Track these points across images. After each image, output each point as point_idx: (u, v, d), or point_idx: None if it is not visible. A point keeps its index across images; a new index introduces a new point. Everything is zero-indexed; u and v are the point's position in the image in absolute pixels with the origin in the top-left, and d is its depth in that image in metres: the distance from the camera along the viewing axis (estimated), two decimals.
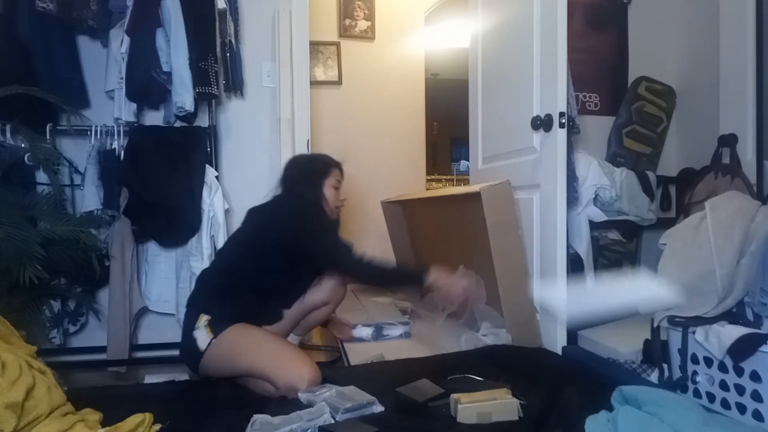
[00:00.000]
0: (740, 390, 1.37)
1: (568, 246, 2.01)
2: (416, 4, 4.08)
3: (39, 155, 2.00)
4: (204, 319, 1.61)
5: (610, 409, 1.23)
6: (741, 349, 1.34)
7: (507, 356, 1.80)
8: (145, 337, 2.40)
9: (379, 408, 1.35)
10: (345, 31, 3.90)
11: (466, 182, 3.76)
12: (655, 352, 1.63)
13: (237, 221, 2.34)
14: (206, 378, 1.69)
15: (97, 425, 1.20)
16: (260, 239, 1.72)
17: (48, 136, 2.15)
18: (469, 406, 1.27)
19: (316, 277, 1.86)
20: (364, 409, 1.33)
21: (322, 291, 1.86)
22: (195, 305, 1.69)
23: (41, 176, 2.15)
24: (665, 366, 1.59)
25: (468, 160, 2.85)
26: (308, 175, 1.85)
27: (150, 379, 2.08)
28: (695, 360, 1.50)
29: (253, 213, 1.86)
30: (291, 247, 1.67)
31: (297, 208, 1.74)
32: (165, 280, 2.32)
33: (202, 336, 1.59)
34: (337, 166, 1.90)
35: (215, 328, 1.59)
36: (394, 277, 1.81)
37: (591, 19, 2.88)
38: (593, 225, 2.33)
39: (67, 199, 2.24)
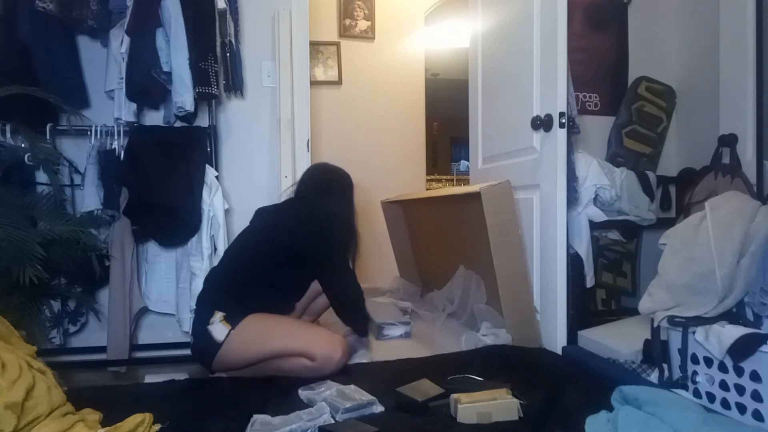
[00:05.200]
0: (740, 390, 1.37)
1: (568, 246, 2.01)
2: (416, 4, 4.08)
3: (39, 155, 2.00)
4: (219, 315, 1.65)
5: (610, 409, 1.23)
6: (741, 349, 1.34)
7: (507, 356, 1.81)
8: (145, 337, 2.40)
9: (379, 408, 1.36)
10: (345, 31, 3.89)
11: (466, 182, 3.77)
12: (655, 352, 1.63)
13: (237, 221, 2.36)
14: (211, 374, 1.71)
15: (97, 425, 1.20)
16: (276, 242, 1.77)
17: (48, 136, 2.15)
18: (469, 406, 1.27)
19: None
20: (364, 409, 1.34)
21: None
22: (207, 304, 1.73)
23: (41, 176, 2.15)
24: (665, 366, 1.59)
25: (468, 160, 2.85)
26: (343, 188, 1.97)
27: (150, 379, 2.07)
28: (695, 360, 1.50)
29: (265, 214, 1.92)
30: (305, 255, 1.75)
31: (328, 220, 1.81)
32: (165, 280, 2.33)
33: (219, 329, 1.63)
34: None
35: (232, 321, 1.64)
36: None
37: (591, 19, 2.88)
38: (593, 225, 2.33)
39: (67, 199, 2.24)
